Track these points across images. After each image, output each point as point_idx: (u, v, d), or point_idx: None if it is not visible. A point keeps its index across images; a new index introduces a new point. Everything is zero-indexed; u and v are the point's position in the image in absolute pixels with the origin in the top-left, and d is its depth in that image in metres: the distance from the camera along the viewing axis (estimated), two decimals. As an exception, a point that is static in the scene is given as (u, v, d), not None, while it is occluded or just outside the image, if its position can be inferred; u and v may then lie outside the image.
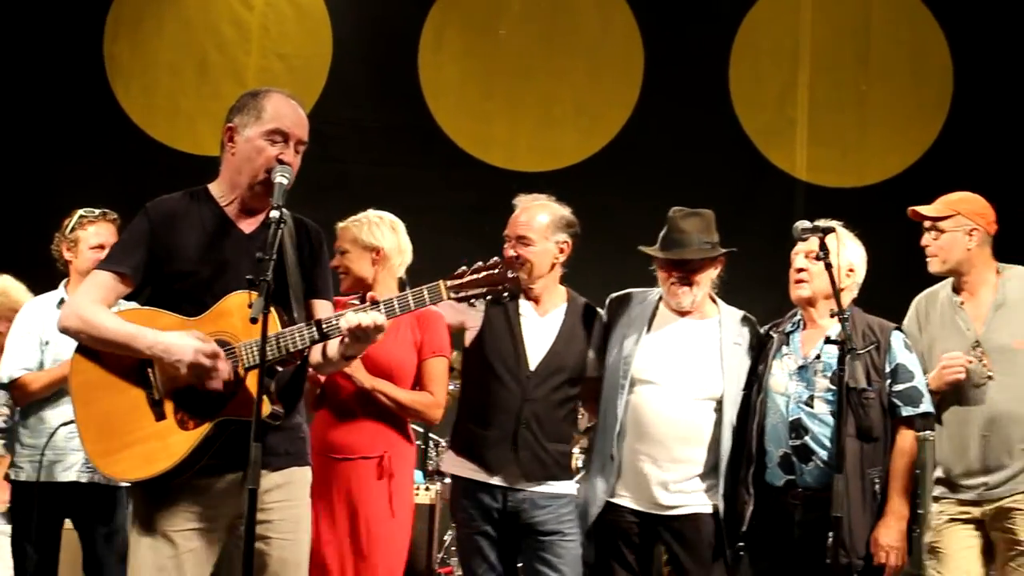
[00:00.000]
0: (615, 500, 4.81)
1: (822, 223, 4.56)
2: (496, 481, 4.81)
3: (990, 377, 4.88)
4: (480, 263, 3.83)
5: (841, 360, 4.35)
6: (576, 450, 6.62)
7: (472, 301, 3.77)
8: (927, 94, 8.57)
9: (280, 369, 3.71)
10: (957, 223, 5.10)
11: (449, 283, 3.76)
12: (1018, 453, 4.90)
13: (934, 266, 5.08)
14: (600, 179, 8.25)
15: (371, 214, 5.05)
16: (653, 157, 8.34)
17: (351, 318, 3.61)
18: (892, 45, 8.61)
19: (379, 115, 8.44)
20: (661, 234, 4.91)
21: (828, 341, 4.55)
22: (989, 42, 8.39)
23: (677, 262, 4.84)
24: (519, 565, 5.01)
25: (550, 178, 8.23)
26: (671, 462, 4.77)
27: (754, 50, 8.58)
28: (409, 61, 8.48)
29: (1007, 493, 4.88)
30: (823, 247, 4.44)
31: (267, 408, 3.55)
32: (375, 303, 3.72)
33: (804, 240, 4.61)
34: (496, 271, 3.78)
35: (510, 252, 4.82)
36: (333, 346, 3.74)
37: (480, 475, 4.84)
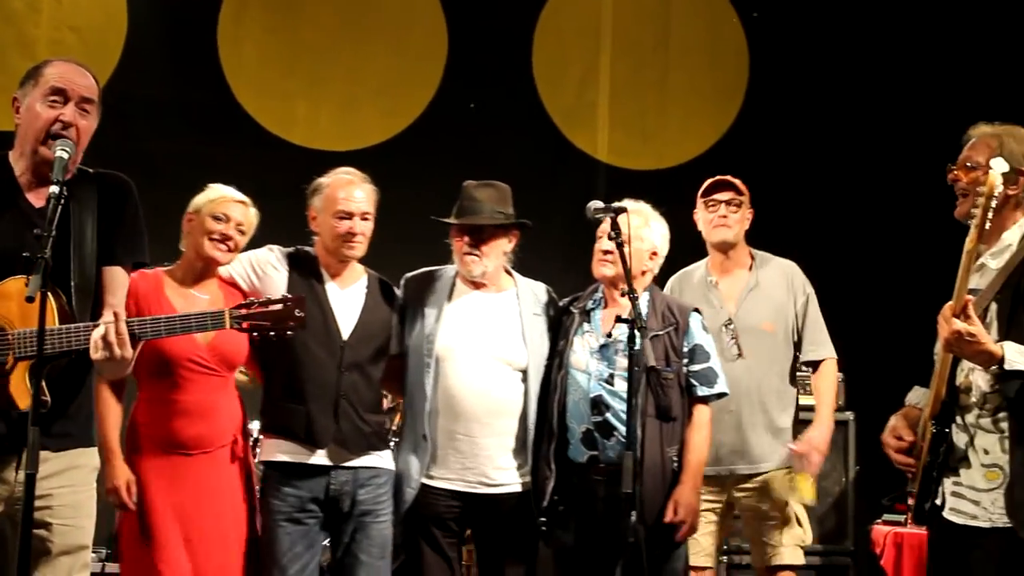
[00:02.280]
0: (430, 482, 4.80)
1: (615, 204, 4.65)
2: (318, 458, 4.70)
3: (740, 356, 5.06)
4: (269, 298, 3.99)
5: (632, 339, 4.41)
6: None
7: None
8: (724, 79, 8.76)
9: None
10: (746, 203, 5.42)
11: (233, 313, 3.85)
12: (762, 432, 5.12)
13: (725, 235, 5.38)
14: (403, 159, 8.20)
15: None
16: (457, 137, 8.32)
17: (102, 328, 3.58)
18: (690, 30, 8.78)
19: (177, 91, 8.18)
20: (456, 205, 4.96)
21: (619, 320, 4.63)
22: (783, 28, 8.62)
23: (469, 229, 4.88)
24: (329, 544, 4.93)
25: (353, 158, 8.11)
26: (485, 437, 4.79)
27: (557, 32, 8.64)
28: (208, 36, 8.26)
29: (753, 471, 5.10)
30: (615, 227, 4.52)
31: (27, 401, 3.45)
32: (156, 320, 3.77)
33: (598, 220, 4.69)
34: (283, 307, 3.84)
35: (355, 230, 4.77)
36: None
37: (301, 455, 4.70)
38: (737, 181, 5.45)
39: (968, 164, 4.05)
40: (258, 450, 4.94)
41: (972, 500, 3.89)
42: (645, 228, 4.89)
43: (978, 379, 3.91)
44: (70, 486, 3.71)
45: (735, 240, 5.40)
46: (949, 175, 4.11)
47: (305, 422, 4.70)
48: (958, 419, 3.94)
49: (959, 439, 3.93)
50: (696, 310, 4.95)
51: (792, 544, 5.18)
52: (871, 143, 8.39)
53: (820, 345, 5.38)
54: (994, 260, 3.97)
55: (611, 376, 4.75)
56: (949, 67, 8.27)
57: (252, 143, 8.25)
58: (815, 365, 5.38)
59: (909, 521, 6.14)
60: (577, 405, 4.80)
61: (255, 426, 5.02)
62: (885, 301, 8.12)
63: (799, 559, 5.22)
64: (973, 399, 3.92)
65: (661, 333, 4.79)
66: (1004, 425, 3.85)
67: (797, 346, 5.36)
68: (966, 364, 3.91)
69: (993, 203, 3.71)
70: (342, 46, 8.47)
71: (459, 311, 4.92)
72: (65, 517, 3.68)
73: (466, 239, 4.89)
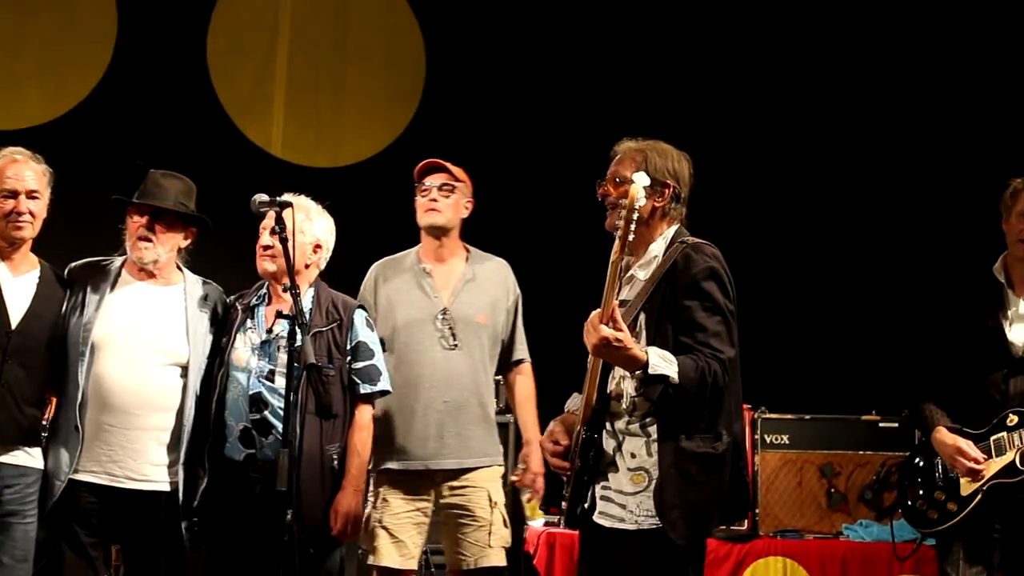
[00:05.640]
0: (76, 476, 4.62)
1: (280, 197, 4.65)
2: None
3: (456, 346, 5.12)
4: None
5: (292, 335, 4.42)
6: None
7: None
8: (401, 82, 8.81)
9: None
10: (463, 191, 5.37)
11: None
12: (478, 424, 5.19)
13: (434, 219, 5.31)
14: (68, 142, 7.87)
15: None
16: (125, 123, 8.05)
17: None
18: (369, 31, 8.79)
19: None
20: (138, 189, 4.85)
21: (280, 316, 4.62)
22: (461, 32, 8.74)
23: (150, 212, 4.79)
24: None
25: (13, 137, 7.76)
26: (136, 430, 4.66)
27: (234, 22, 8.48)
28: None
29: (465, 467, 5.15)
30: (279, 221, 4.52)
31: None
32: None
33: (263, 214, 4.68)
34: None
35: (21, 208, 4.61)
36: None
37: None
38: (450, 165, 5.38)
39: (616, 179, 4.24)
40: None
41: (619, 504, 4.05)
42: (307, 222, 4.91)
43: (628, 387, 4.07)
44: None
45: (447, 225, 5.34)
46: (599, 190, 4.29)
47: None
48: (608, 425, 4.11)
49: (608, 444, 4.10)
50: (361, 307, 4.97)
51: (498, 546, 5.21)
52: (543, 149, 8.59)
53: (523, 346, 5.50)
54: (643, 271, 4.16)
55: (271, 372, 4.74)
56: (617, 73, 8.61)
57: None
58: (514, 365, 5.47)
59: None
60: (236, 402, 4.75)
61: None
62: (562, 306, 8.33)
63: (504, 561, 5.25)
64: (623, 406, 4.08)
65: (324, 329, 4.81)
66: (651, 430, 4.02)
67: (504, 344, 5.43)
68: (617, 372, 4.09)
69: (635, 216, 3.86)
70: (2, 19, 8.05)
71: (122, 301, 4.81)
72: None
73: (144, 222, 4.78)
